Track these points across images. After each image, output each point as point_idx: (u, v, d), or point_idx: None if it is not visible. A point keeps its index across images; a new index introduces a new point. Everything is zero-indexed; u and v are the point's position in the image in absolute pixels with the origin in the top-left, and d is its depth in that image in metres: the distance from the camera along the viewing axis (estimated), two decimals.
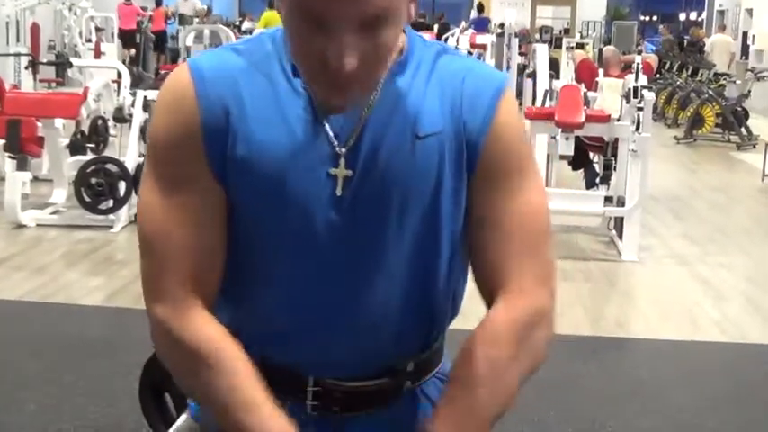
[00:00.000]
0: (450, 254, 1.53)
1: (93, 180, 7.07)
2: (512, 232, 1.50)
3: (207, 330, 1.46)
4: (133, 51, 17.92)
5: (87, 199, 7.17)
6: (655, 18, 30.65)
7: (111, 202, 7.20)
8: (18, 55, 12.13)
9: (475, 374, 1.43)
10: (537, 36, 21.15)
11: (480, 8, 20.17)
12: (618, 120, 7.92)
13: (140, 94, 7.69)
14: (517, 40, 14.53)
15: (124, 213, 7.30)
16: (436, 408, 1.47)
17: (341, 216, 1.44)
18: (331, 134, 1.44)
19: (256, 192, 1.44)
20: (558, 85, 10.07)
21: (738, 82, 14.92)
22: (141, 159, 6.99)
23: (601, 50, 15.97)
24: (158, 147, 1.48)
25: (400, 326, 1.53)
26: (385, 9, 1.31)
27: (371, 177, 1.44)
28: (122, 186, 7.14)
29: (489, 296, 1.54)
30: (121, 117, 7.93)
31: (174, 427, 1.72)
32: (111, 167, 7.17)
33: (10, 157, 7.62)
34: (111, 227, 7.25)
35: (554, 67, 13.34)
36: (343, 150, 1.43)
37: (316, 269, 1.47)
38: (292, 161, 1.43)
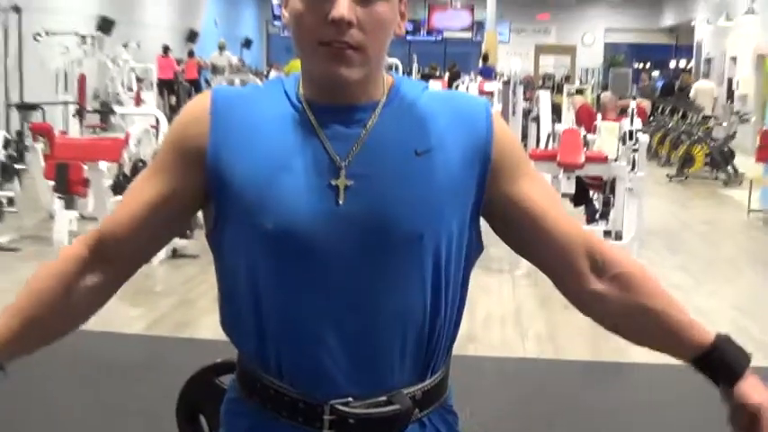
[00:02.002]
0: (455, 266, 1.51)
1: None
2: (551, 207, 1.55)
3: (49, 269, 1.55)
4: (173, 99, 18.04)
5: None
6: (648, 65, 30.61)
7: None
8: (66, 103, 12.24)
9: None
10: (540, 83, 21.26)
11: (485, 58, 20.25)
12: (615, 160, 7.94)
13: None
14: (522, 86, 14.59)
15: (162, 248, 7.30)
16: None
17: (343, 225, 1.42)
18: (332, 150, 1.44)
19: (259, 202, 1.43)
20: (559, 128, 10.09)
21: (725, 124, 14.91)
22: None
23: (599, 96, 16.00)
24: (166, 141, 1.54)
25: (403, 332, 1.47)
26: None
27: (372, 187, 1.43)
28: None
29: (571, 264, 1.55)
30: None
31: None
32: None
33: (59, 197, 7.65)
34: (149, 261, 7.25)
35: (556, 111, 13.37)
36: (344, 164, 1.43)
37: (319, 280, 1.44)
38: (295, 173, 1.43)
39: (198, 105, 1.51)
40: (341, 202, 1.42)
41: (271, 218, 1.42)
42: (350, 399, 1.46)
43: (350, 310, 1.44)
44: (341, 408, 1.46)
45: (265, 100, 1.50)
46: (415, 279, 1.46)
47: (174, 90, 18.20)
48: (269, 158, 1.44)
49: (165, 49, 19.33)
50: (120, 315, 5.98)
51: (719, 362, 1.57)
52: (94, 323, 5.69)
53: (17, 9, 11.48)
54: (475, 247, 1.56)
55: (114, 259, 1.55)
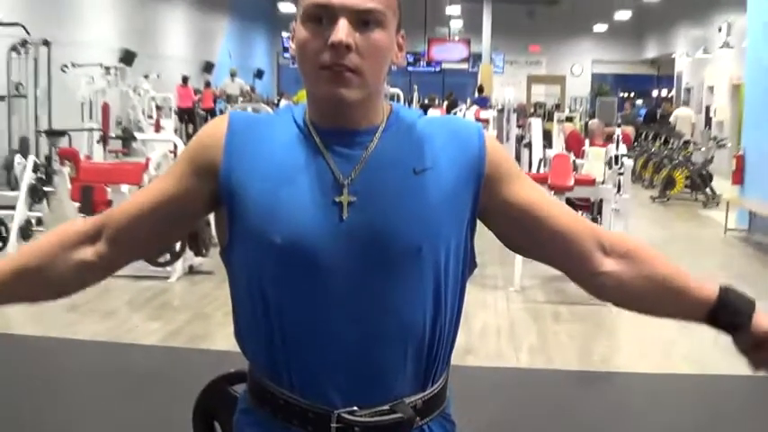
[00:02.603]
0: (452, 279, 1.50)
1: None
2: (550, 205, 1.56)
3: (54, 233, 1.59)
4: (191, 127, 18.07)
5: None
6: (632, 94, 30.66)
7: (168, 256, 7.22)
8: (91, 130, 12.27)
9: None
10: (532, 111, 21.29)
11: (480, 90, 20.33)
12: (602, 183, 7.95)
13: None
14: (515, 114, 14.60)
15: (179, 266, 7.32)
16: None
17: (346, 239, 1.42)
18: (336, 169, 1.45)
19: (268, 217, 1.43)
20: (550, 153, 10.09)
21: (703, 149, 14.93)
22: None
23: (587, 123, 16.03)
24: (183, 154, 1.56)
25: (404, 343, 1.46)
26: (377, 9, 1.40)
27: (373, 203, 1.43)
28: (177, 243, 7.17)
29: (580, 252, 1.55)
30: None
31: None
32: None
33: (83, 218, 7.65)
34: (168, 277, 7.27)
35: (547, 137, 13.37)
36: (347, 182, 1.44)
37: (323, 292, 1.43)
38: (301, 191, 1.44)
39: (216, 126, 1.53)
40: (344, 217, 1.43)
41: (279, 232, 1.42)
42: (355, 408, 1.46)
43: (353, 321, 1.43)
44: (347, 416, 1.45)
45: (276, 125, 1.51)
46: (415, 291, 1.45)
47: (191, 119, 18.24)
48: (278, 177, 1.45)
49: (185, 80, 19.40)
50: (140, 327, 5.99)
51: (725, 315, 1.55)
52: (116, 335, 5.69)
53: (47, 43, 11.54)
54: (470, 263, 1.56)
55: (112, 243, 1.55)
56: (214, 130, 1.52)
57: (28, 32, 11.50)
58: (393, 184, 1.45)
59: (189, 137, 16.49)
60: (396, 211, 1.43)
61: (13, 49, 11.51)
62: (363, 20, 1.40)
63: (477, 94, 20.12)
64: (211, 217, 1.57)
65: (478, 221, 1.57)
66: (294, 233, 1.42)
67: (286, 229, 1.42)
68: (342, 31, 1.38)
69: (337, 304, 1.43)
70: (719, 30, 18.70)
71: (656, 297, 1.57)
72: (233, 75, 21.47)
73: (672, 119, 18.49)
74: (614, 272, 1.55)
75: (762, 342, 1.52)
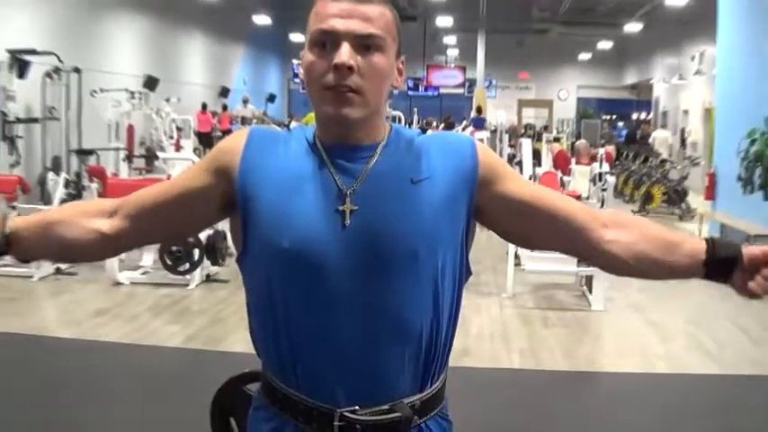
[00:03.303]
0: (449, 284, 1.49)
1: (174, 248, 7.09)
2: (546, 193, 1.56)
3: (79, 203, 1.67)
4: (208, 151, 18.05)
5: (169, 263, 7.19)
6: (614, 117, 30.65)
7: (187, 265, 7.22)
8: (117, 149, 12.27)
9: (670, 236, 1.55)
10: (522, 132, 21.30)
11: (479, 110, 20.30)
12: (587, 198, 7.95)
13: None
14: (507, 135, 14.61)
15: (197, 274, 7.32)
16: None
17: (349, 244, 1.42)
18: (340, 180, 1.45)
19: (278, 223, 1.44)
20: (539, 171, 10.10)
21: (679, 167, 14.93)
22: (211, 231, 7.02)
23: (573, 143, 16.03)
24: (203, 159, 1.58)
25: (404, 346, 1.45)
26: (377, 35, 1.42)
27: (373, 211, 1.43)
28: (196, 253, 7.17)
29: (582, 228, 1.54)
30: None
31: None
32: (188, 238, 7.21)
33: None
34: (187, 285, 7.27)
35: (536, 156, 13.37)
36: (349, 191, 1.44)
37: (327, 295, 1.42)
38: (308, 200, 1.44)
39: (237, 137, 1.54)
40: (347, 224, 1.43)
41: (287, 237, 1.42)
42: (357, 407, 1.45)
43: (355, 322, 1.42)
44: (349, 415, 1.44)
45: (290, 141, 1.52)
46: (414, 294, 1.44)
47: (210, 143, 18.21)
48: (287, 187, 1.46)
49: (204, 106, 19.42)
50: (161, 331, 5.98)
51: (716, 265, 1.51)
52: (139, 337, 5.67)
53: (77, 70, 11.56)
54: (466, 270, 1.54)
55: (126, 219, 1.56)
56: (235, 140, 1.53)
57: (61, 61, 11.53)
58: (392, 194, 1.45)
59: None
60: (394, 217, 1.43)
61: (48, 75, 11.54)
62: (365, 44, 1.42)
63: (475, 114, 20.07)
64: (227, 229, 1.57)
65: (479, 226, 1.57)
66: (301, 238, 1.42)
67: (293, 234, 1.42)
68: (345, 53, 1.40)
69: (340, 306, 1.42)
70: (692, 59, 18.73)
71: (658, 254, 1.53)
72: (245, 101, 21.57)
73: (651, 140, 18.51)
74: (618, 239, 1.53)
75: (752, 266, 1.49)
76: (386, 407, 1.46)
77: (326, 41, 1.42)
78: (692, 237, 1.58)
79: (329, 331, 1.43)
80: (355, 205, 1.43)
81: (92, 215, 1.58)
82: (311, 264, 1.42)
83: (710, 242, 1.53)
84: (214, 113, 19.99)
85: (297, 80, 27.82)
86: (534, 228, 1.55)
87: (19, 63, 10.88)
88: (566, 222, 1.53)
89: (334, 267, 1.41)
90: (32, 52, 11.12)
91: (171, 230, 1.64)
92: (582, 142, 12.11)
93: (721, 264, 1.50)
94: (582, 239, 1.54)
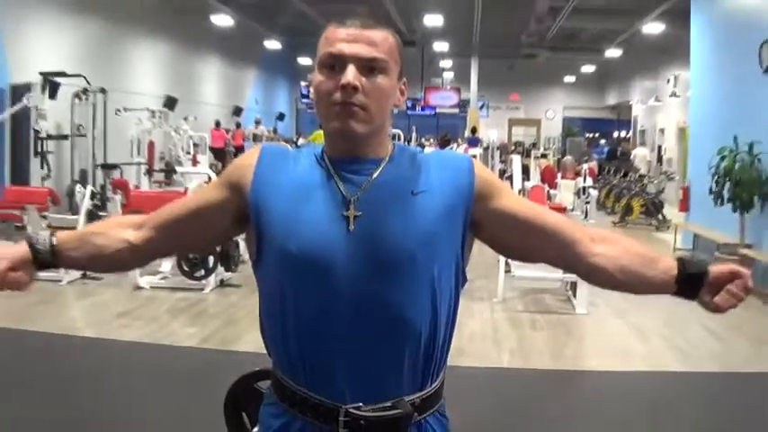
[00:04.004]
0: (447, 288, 1.49)
1: (191, 255, 7.10)
2: (539, 210, 1.57)
3: (109, 219, 1.71)
4: (220, 165, 18.09)
5: (186, 269, 7.19)
6: (596, 135, 30.65)
7: (203, 271, 7.22)
8: (139, 164, 12.31)
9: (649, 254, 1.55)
10: (512, 148, 21.31)
11: (474, 130, 20.32)
12: (572, 210, 7.96)
13: None
14: (498, 151, 14.64)
15: (212, 279, 7.31)
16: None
17: (352, 248, 1.41)
18: (344, 189, 1.46)
19: (287, 229, 1.44)
20: (528, 185, 10.10)
21: (656, 181, 14.95)
22: None
23: (559, 159, 16.06)
24: (219, 176, 1.63)
25: (406, 347, 1.44)
26: (381, 58, 1.44)
27: (375, 217, 1.43)
28: (211, 260, 7.17)
29: (571, 241, 1.53)
30: None
31: None
32: (208, 250, 7.20)
33: None
34: (202, 289, 7.25)
35: (525, 171, 13.37)
36: (353, 198, 1.45)
37: (330, 296, 1.41)
38: (315, 207, 1.45)
39: (249, 155, 1.56)
40: (351, 228, 1.43)
41: (295, 242, 1.42)
42: (361, 404, 1.44)
43: (358, 322, 1.41)
44: (353, 411, 1.44)
45: (299, 157, 1.53)
46: (413, 296, 1.44)
47: (223, 157, 18.23)
48: (297, 196, 1.47)
49: (217, 123, 19.47)
50: (178, 332, 5.97)
51: (686, 281, 1.51)
52: (158, 338, 5.66)
53: (103, 91, 11.61)
54: (462, 277, 1.54)
55: (152, 231, 1.59)
56: (247, 158, 1.55)
57: (88, 82, 11.58)
58: (393, 202, 1.45)
59: (218, 173, 16.46)
60: (394, 223, 1.43)
61: (76, 96, 11.58)
62: (369, 67, 1.44)
63: (471, 134, 20.08)
64: (241, 238, 1.58)
65: (477, 241, 1.56)
66: (308, 241, 1.42)
67: (301, 239, 1.43)
68: (350, 75, 1.42)
69: (344, 306, 1.42)
70: (668, 81, 18.75)
71: (639, 268, 1.53)
72: (257, 122, 21.77)
73: (632, 156, 18.53)
74: (605, 253, 1.53)
75: (718, 282, 1.49)
76: (388, 404, 1.45)
77: (335, 64, 1.44)
78: (665, 255, 1.58)
79: (333, 330, 1.42)
80: (359, 211, 1.44)
81: (124, 227, 1.62)
82: (318, 266, 1.42)
83: (681, 261, 1.53)
84: (227, 130, 20.04)
85: (304, 100, 27.85)
86: (527, 241, 1.55)
87: (50, 84, 10.93)
88: (556, 236, 1.54)
89: (339, 270, 1.41)
90: (62, 75, 11.17)
91: (190, 241, 1.66)
92: (568, 158, 12.16)
93: (690, 279, 1.51)
94: (571, 252, 1.54)
